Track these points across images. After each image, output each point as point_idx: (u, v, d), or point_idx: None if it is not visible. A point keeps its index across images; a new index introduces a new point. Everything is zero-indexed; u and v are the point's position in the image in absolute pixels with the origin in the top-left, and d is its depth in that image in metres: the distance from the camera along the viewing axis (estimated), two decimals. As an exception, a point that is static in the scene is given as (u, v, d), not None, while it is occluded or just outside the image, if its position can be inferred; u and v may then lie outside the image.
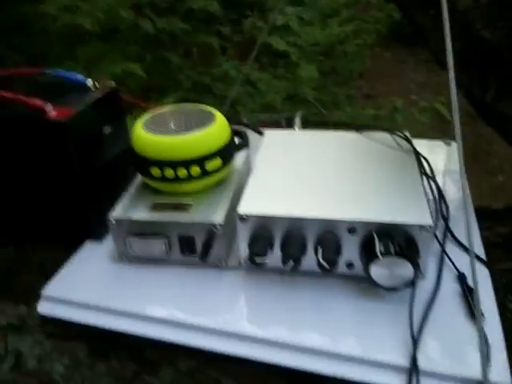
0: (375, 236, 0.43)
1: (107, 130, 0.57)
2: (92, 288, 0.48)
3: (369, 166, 0.53)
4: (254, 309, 0.46)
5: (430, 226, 0.42)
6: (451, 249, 0.50)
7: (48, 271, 0.51)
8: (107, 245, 0.54)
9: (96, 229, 0.55)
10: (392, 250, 0.41)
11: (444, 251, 0.49)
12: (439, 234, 0.51)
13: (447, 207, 0.54)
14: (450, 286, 0.46)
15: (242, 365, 0.44)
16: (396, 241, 0.42)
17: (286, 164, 0.54)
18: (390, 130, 0.59)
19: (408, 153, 0.55)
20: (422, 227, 0.42)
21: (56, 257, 0.55)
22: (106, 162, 0.58)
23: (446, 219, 0.53)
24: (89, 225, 0.56)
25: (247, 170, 0.56)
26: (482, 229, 0.54)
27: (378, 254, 0.41)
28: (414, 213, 0.44)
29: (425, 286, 0.46)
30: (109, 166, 0.58)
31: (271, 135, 0.62)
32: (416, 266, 0.41)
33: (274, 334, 0.42)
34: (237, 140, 0.57)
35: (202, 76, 1.40)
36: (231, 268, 0.50)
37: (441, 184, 0.56)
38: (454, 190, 0.58)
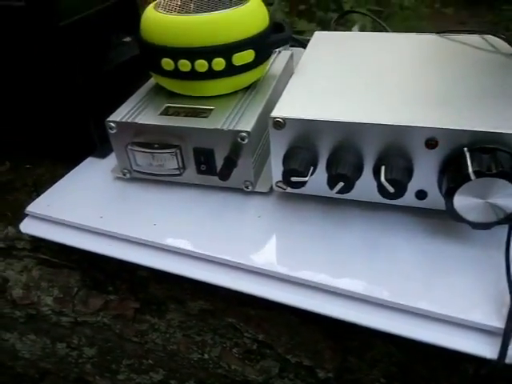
0: (466, 151, 0.30)
1: (119, 35, 0.48)
2: (86, 208, 0.39)
3: (457, 69, 0.39)
4: (287, 244, 0.35)
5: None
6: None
7: (43, 190, 0.43)
8: (111, 161, 0.44)
9: (99, 144, 0.47)
10: (491, 168, 0.29)
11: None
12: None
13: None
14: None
15: (268, 311, 0.34)
16: (496, 159, 0.29)
17: (341, 64, 0.41)
18: (484, 30, 0.44)
19: (510, 57, 0.41)
20: (539, 140, 0.29)
21: (54, 175, 0.47)
22: (114, 68, 0.48)
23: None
24: (91, 139, 0.47)
25: (288, 76, 0.43)
26: None
27: (471, 173, 0.29)
28: (525, 121, 0.31)
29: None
30: (118, 73, 0.48)
31: (322, 35, 0.48)
32: (525, 194, 0.29)
33: (311, 275, 0.32)
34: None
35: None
36: (259, 194, 0.39)
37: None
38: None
